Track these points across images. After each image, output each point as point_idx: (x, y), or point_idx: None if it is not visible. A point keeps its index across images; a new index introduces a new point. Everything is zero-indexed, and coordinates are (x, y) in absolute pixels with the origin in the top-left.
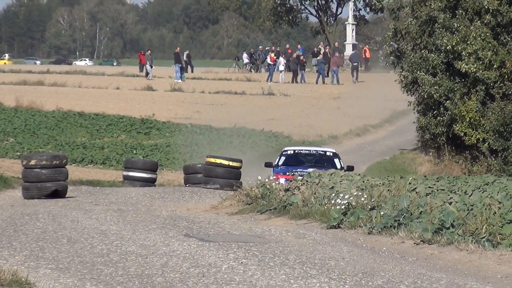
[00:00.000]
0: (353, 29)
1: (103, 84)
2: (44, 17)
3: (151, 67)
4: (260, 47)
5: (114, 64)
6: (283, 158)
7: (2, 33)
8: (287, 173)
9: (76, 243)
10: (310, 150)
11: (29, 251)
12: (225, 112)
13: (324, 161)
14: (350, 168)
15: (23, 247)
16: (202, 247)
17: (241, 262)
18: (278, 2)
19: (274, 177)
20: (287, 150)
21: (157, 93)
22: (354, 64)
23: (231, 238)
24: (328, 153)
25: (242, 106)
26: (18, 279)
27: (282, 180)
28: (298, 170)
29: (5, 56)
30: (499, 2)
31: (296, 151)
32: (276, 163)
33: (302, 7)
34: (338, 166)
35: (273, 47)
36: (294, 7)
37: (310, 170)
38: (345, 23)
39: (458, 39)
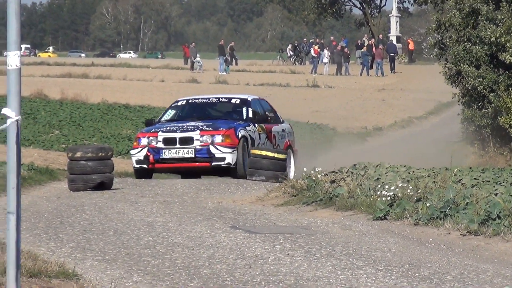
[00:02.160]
0: (397, 21)
1: (148, 76)
2: (88, 10)
3: (200, 62)
4: (304, 39)
5: (159, 56)
6: (170, 112)
7: (47, 26)
8: (152, 130)
9: (122, 235)
10: (209, 98)
11: (76, 243)
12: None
13: (222, 112)
14: (262, 120)
15: (70, 239)
16: (248, 239)
17: (288, 254)
18: None
19: (136, 136)
20: (177, 101)
21: (201, 85)
22: (391, 54)
23: (277, 230)
24: (234, 101)
25: (286, 98)
26: (65, 271)
27: (143, 140)
28: (172, 125)
29: (49, 49)
30: None
31: (190, 101)
32: (158, 118)
33: (347, 0)
34: (244, 116)
35: (317, 40)
36: None
37: (192, 124)
38: (389, 15)
39: (502, 31)
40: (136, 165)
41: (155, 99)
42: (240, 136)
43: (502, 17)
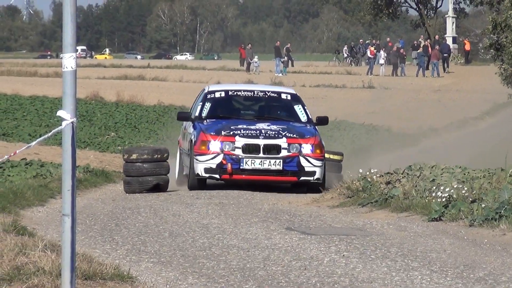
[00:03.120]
0: (453, 22)
1: (204, 78)
2: (145, 12)
3: (257, 63)
4: (360, 40)
5: (215, 58)
6: (208, 106)
7: (103, 28)
8: (223, 133)
9: (178, 237)
10: (253, 91)
11: (131, 245)
12: (326, 106)
13: (277, 109)
14: (322, 121)
15: (125, 241)
16: (303, 240)
17: (343, 255)
18: None
19: (200, 138)
20: (213, 92)
21: None
22: (444, 55)
23: (332, 231)
24: (284, 96)
25: (342, 99)
26: (120, 273)
27: (215, 145)
28: (240, 127)
29: (106, 51)
30: None
31: (229, 93)
32: (197, 113)
33: (402, 0)
34: (302, 117)
35: (373, 41)
36: (394, 0)
37: (262, 125)
38: (445, 16)
39: None
40: (203, 174)
41: None
42: (323, 144)
43: None
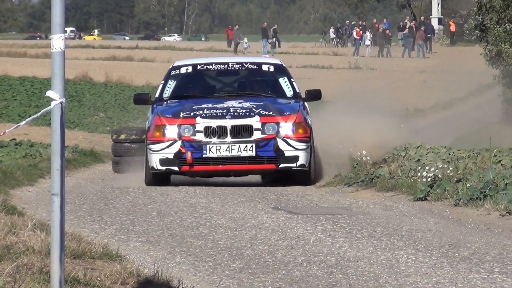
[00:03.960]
0: (438, 3)
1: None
2: None
3: (247, 44)
4: (346, 21)
5: (203, 39)
6: (172, 84)
7: (92, 9)
8: (182, 115)
9: (166, 216)
10: (227, 64)
11: (120, 224)
12: (313, 86)
13: (257, 84)
14: (314, 95)
15: (114, 221)
16: (290, 220)
17: (329, 235)
18: None
19: (154, 123)
20: (178, 68)
21: None
22: (428, 35)
23: (319, 211)
24: (265, 67)
25: (329, 80)
26: (109, 252)
27: (172, 130)
28: (205, 106)
29: (94, 32)
30: None
31: (198, 68)
32: (158, 94)
33: None
34: (288, 92)
35: (360, 22)
36: None
37: (232, 103)
38: None
39: None
40: (159, 167)
41: None
42: (310, 123)
43: None
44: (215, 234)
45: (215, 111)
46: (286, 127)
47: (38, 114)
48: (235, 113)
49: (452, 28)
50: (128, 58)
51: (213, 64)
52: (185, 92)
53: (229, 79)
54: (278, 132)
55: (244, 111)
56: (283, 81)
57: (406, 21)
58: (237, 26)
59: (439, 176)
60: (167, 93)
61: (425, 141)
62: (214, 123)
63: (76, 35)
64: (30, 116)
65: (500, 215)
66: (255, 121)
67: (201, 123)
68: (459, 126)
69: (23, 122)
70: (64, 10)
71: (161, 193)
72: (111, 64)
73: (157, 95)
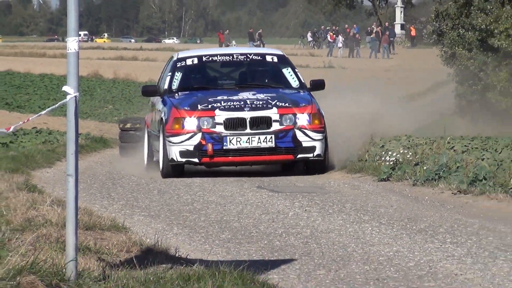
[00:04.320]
0: (401, 11)
1: None
2: (138, 1)
3: (235, 46)
4: (322, 27)
5: (198, 42)
6: (179, 76)
7: (102, 16)
8: (200, 107)
9: (165, 194)
10: (232, 55)
11: (125, 201)
12: None
13: (262, 74)
14: (318, 85)
15: (120, 198)
16: (272, 197)
17: (305, 210)
18: None
19: (172, 116)
20: (183, 59)
21: None
22: (390, 39)
23: (296, 190)
24: (269, 58)
25: (306, 77)
26: (116, 224)
27: (191, 122)
28: (220, 98)
29: (104, 35)
30: None
31: (203, 59)
32: (167, 86)
33: None
34: (293, 83)
35: (333, 27)
36: None
37: (246, 95)
38: (395, 6)
39: (491, 20)
40: (179, 159)
41: None
42: (323, 113)
43: (491, 7)
44: (207, 209)
45: (232, 103)
46: (303, 118)
47: (56, 105)
48: (253, 105)
49: (413, 33)
50: (133, 58)
51: (218, 56)
52: (194, 84)
53: (235, 70)
54: (295, 123)
55: (261, 103)
56: (287, 72)
57: (373, 26)
58: (227, 30)
59: (400, 160)
60: (175, 84)
61: (389, 130)
62: (234, 115)
63: (88, 38)
64: (48, 107)
65: (452, 193)
66: (273, 113)
67: (220, 115)
68: (419, 117)
69: (43, 112)
70: (78, 16)
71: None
72: (118, 63)
73: (165, 87)
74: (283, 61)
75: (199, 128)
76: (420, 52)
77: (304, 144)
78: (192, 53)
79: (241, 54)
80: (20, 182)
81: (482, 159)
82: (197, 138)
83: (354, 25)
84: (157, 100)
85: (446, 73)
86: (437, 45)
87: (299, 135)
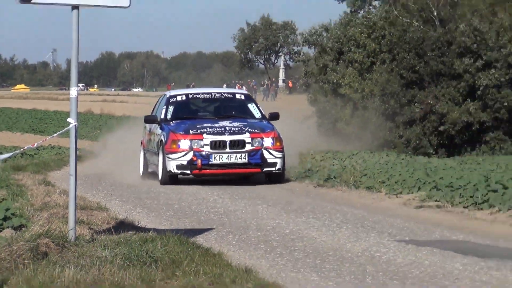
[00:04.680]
0: (283, 71)
1: (149, 101)
2: (116, 64)
3: None
4: (233, 80)
5: (154, 90)
6: (171, 108)
7: (94, 73)
8: (191, 132)
9: (132, 187)
10: (210, 94)
11: (106, 192)
12: None
13: (234, 108)
14: (275, 116)
15: (103, 190)
16: (200, 189)
17: (220, 197)
18: (243, 57)
19: (170, 138)
20: (175, 96)
21: None
22: (276, 89)
23: (218, 183)
24: (238, 96)
25: None
26: (100, 206)
27: (185, 143)
28: (206, 125)
29: (95, 86)
30: (362, 55)
31: (189, 96)
32: (163, 116)
33: (256, 60)
34: (256, 114)
35: (240, 81)
36: (252, 59)
37: (225, 123)
38: (279, 67)
39: (339, 76)
40: (175, 170)
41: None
42: (281, 137)
43: (340, 68)
44: (158, 196)
45: (216, 129)
46: (268, 141)
47: (63, 131)
48: (231, 131)
49: (290, 85)
50: (113, 101)
51: (200, 94)
52: (183, 114)
53: (213, 104)
54: (262, 144)
55: (237, 129)
56: (252, 106)
57: (265, 80)
58: (173, 83)
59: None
60: (169, 115)
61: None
62: (217, 138)
63: (84, 88)
64: (59, 132)
65: (314, 187)
66: (246, 137)
67: (207, 138)
68: (291, 141)
69: (55, 135)
70: (77, 73)
71: (132, 176)
72: (103, 103)
73: (162, 116)
74: (248, 98)
75: (191, 148)
76: (295, 97)
77: (269, 160)
78: (180, 92)
79: (217, 93)
80: (40, 179)
81: (333, 165)
82: (190, 155)
83: (253, 80)
84: (155, 127)
85: (311, 111)
86: (306, 93)
87: (265, 154)
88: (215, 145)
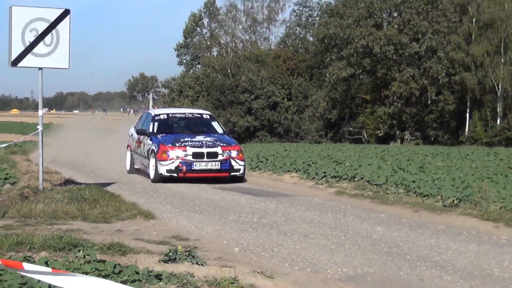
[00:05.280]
0: (152, 100)
1: (82, 117)
2: (64, 97)
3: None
4: (127, 106)
5: (85, 111)
6: (155, 124)
7: (52, 102)
8: (177, 144)
9: (72, 162)
10: (185, 114)
11: (59, 164)
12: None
13: (203, 125)
14: (232, 131)
15: (64, 165)
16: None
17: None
18: (131, 94)
19: (161, 149)
20: (158, 115)
21: None
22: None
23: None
24: (205, 116)
25: (119, 122)
26: (56, 172)
27: (173, 153)
28: (187, 139)
29: (53, 109)
30: (192, 92)
31: (169, 115)
32: (151, 130)
33: (138, 95)
34: (219, 130)
35: (134, 106)
36: (135, 95)
37: (200, 138)
38: (149, 99)
39: (181, 104)
40: (165, 174)
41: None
42: (242, 150)
43: (181, 99)
44: (98, 171)
45: (195, 143)
46: (234, 153)
47: (35, 132)
48: (207, 144)
49: (155, 107)
50: (63, 117)
51: (177, 114)
52: (165, 129)
53: (187, 122)
54: (230, 155)
55: (211, 143)
56: (215, 124)
57: (142, 106)
58: (105, 108)
59: None
60: (155, 129)
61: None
62: (197, 150)
63: (47, 110)
64: (33, 133)
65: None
66: (219, 149)
67: (190, 150)
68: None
69: (31, 134)
70: (42, 103)
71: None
72: (58, 119)
73: (150, 130)
74: (212, 118)
75: (177, 157)
76: None
77: (235, 167)
78: (162, 111)
79: (190, 113)
80: (24, 158)
81: None
82: (177, 163)
83: (134, 106)
84: (145, 137)
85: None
86: None
87: (233, 162)
88: (196, 155)
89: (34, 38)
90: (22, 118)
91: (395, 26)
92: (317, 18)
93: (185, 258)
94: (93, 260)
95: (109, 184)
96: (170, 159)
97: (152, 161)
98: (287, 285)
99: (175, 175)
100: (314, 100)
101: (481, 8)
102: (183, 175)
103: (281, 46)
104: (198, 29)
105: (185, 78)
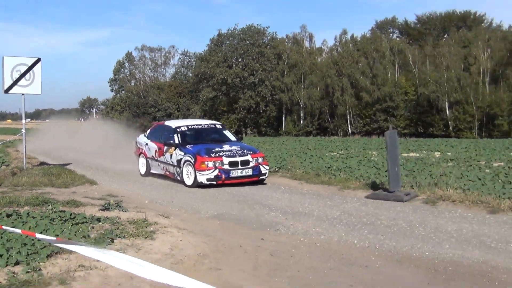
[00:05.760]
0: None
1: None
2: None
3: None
4: (80, 118)
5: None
6: (180, 136)
7: (33, 115)
8: (212, 155)
9: (54, 154)
10: (201, 125)
11: (37, 153)
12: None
13: (219, 135)
14: (241, 138)
15: (35, 151)
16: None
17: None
18: (81, 108)
19: (199, 160)
20: (180, 127)
21: None
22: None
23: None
24: (217, 126)
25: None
26: (35, 158)
27: (210, 163)
28: (217, 149)
29: (34, 119)
30: None
31: (189, 127)
32: (176, 142)
33: (89, 110)
34: (232, 138)
35: (83, 118)
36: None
37: (227, 147)
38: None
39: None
40: (205, 182)
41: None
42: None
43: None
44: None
45: (227, 152)
46: (261, 159)
47: (20, 133)
48: (238, 153)
49: (97, 117)
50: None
51: (195, 125)
52: (190, 140)
53: (206, 132)
54: (258, 161)
55: (240, 152)
56: (227, 132)
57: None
58: (82, 119)
59: None
60: (180, 140)
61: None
62: (232, 159)
63: (30, 120)
64: (19, 134)
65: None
66: (249, 157)
67: (226, 159)
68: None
69: (18, 135)
70: (24, 115)
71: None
72: (39, 125)
73: (176, 142)
74: (224, 127)
75: (215, 167)
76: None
77: (262, 172)
78: (181, 123)
79: (205, 124)
80: (14, 149)
81: None
82: (216, 172)
83: (84, 117)
84: (171, 148)
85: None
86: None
87: (261, 168)
88: (232, 164)
89: (18, 75)
90: (14, 125)
91: (240, 67)
92: (194, 62)
93: (115, 208)
94: (58, 211)
95: (67, 164)
96: (208, 169)
97: (187, 169)
98: (178, 221)
99: (214, 182)
100: (193, 111)
101: (290, 55)
102: (222, 182)
103: (173, 79)
104: (122, 69)
105: (115, 99)
